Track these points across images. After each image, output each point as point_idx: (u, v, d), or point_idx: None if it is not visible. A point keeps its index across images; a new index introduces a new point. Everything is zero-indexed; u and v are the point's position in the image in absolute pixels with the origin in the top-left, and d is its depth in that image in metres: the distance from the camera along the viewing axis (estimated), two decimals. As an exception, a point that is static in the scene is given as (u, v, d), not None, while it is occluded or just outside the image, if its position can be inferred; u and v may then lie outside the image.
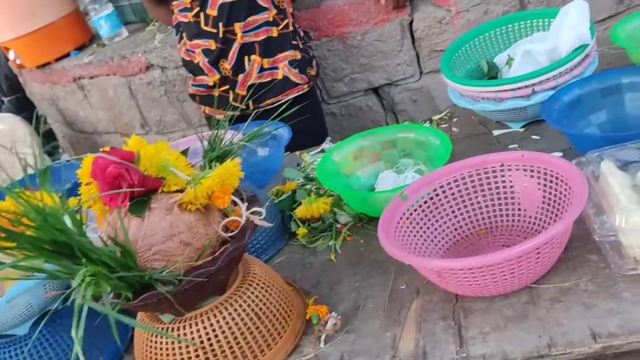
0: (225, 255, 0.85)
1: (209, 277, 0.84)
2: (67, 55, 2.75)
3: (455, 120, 1.47)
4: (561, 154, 1.15)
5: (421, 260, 0.89)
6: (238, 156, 1.13)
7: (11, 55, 2.85)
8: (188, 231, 0.86)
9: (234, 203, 0.92)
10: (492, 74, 1.37)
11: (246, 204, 0.93)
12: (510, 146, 1.26)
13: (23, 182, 0.85)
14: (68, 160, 1.72)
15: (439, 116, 1.50)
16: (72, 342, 0.97)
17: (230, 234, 0.89)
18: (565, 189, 0.91)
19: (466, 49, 1.42)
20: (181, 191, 0.87)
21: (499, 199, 1.03)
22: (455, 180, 1.04)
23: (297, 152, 1.59)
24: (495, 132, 1.33)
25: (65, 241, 0.68)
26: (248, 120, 1.22)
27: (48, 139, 3.67)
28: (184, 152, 0.95)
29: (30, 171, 0.79)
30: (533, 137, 1.26)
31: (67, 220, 0.75)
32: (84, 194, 0.87)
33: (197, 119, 2.53)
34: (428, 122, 1.51)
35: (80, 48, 2.78)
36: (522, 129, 1.30)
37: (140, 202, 0.84)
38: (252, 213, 0.92)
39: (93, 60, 2.58)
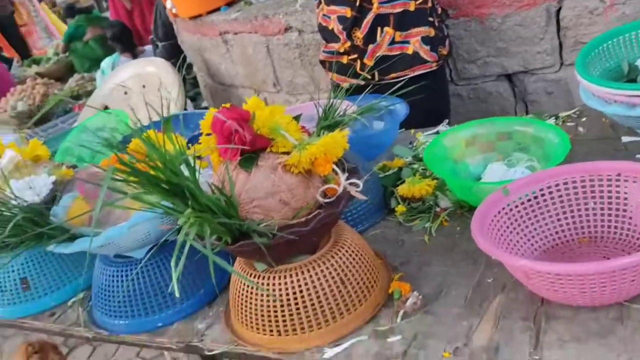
0: (319, 219, 0.91)
1: (300, 237, 0.90)
2: (218, 9, 2.93)
3: (583, 120, 1.39)
4: (694, 172, 1.05)
5: (509, 258, 0.88)
6: (348, 127, 1.17)
7: (168, 4, 3.10)
8: (288, 191, 0.92)
9: (335, 172, 0.96)
10: (631, 76, 1.26)
11: (346, 174, 0.97)
12: (638, 155, 1.18)
13: (158, 125, 0.96)
14: (202, 108, 1.87)
15: (566, 113, 1.43)
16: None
17: (326, 200, 0.94)
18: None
19: (609, 45, 1.32)
20: (287, 154, 0.94)
21: (609, 209, 0.98)
22: (565, 183, 1.00)
23: (412, 131, 1.59)
24: (625, 139, 1.24)
25: (178, 183, 0.77)
26: (364, 92, 1.25)
27: (193, 85, 3.96)
28: (297, 118, 1.00)
29: (164, 115, 0.89)
30: (666, 149, 1.17)
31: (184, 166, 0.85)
32: (203, 143, 0.96)
33: (325, 85, 2.60)
34: (554, 118, 1.44)
35: (230, 4, 2.95)
36: (656, 139, 1.21)
37: (249, 158, 0.92)
38: (350, 184, 0.96)
39: (239, 17, 2.73)
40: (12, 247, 0.99)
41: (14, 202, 1.04)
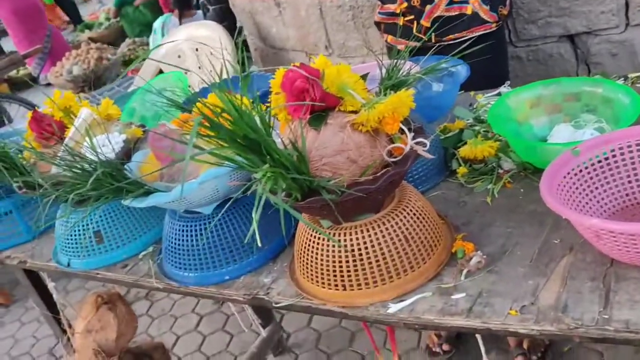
0: (386, 177, 0.92)
1: (367, 194, 0.92)
2: (270, -29, 2.92)
3: (655, 80, 1.34)
4: None
5: (580, 217, 0.87)
6: (412, 87, 1.17)
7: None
8: (356, 149, 0.93)
9: (402, 131, 0.97)
10: None
11: (412, 134, 0.98)
12: None
13: (224, 84, 0.99)
14: (260, 70, 1.89)
15: (636, 74, 1.38)
16: (246, 225, 1.14)
17: (393, 159, 0.95)
18: None
19: (686, 2, 1.27)
20: (355, 112, 0.94)
21: (684, 171, 0.95)
22: (638, 144, 0.98)
23: (472, 92, 1.57)
24: (700, 100, 1.20)
25: (255, 139, 0.79)
26: (428, 54, 1.24)
27: (242, 50, 3.98)
28: (364, 77, 1.01)
29: (230, 75, 0.91)
30: None
31: (257, 122, 0.87)
32: (274, 101, 0.97)
33: (379, 48, 2.57)
34: (622, 79, 1.40)
35: (282, -34, 2.93)
36: None
37: (318, 116, 0.93)
38: (417, 143, 0.97)
39: (291, -22, 2.72)
40: (93, 200, 1.04)
41: (92, 157, 1.09)
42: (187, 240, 1.15)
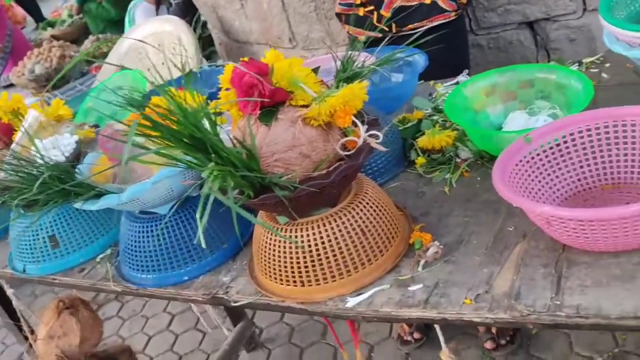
0: (339, 171, 0.91)
1: (321, 189, 0.91)
2: (230, -36, 2.88)
3: (607, 65, 1.36)
4: None
5: (531, 204, 0.88)
6: (367, 79, 1.16)
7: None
8: (308, 144, 0.92)
9: (355, 124, 0.96)
10: (659, 18, 1.22)
11: (366, 126, 0.97)
12: (663, 100, 1.15)
13: (178, 82, 0.96)
14: (218, 66, 1.86)
15: (590, 59, 1.39)
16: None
17: (346, 153, 0.94)
18: None
19: (635, -14, 1.28)
20: (307, 106, 0.93)
21: (633, 154, 0.96)
22: (588, 130, 0.99)
23: (431, 82, 1.57)
24: (650, 83, 1.22)
25: (200, 137, 0.78)
26: (382, 44, 1.23)
27: (209, 44, 3.92)
28: (315, 70, 1.00)
29: (183, 73, 0.89)
30: (693, 93, 1.14)
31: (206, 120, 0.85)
32: (223, 98, 0.96)
33: (342, 39, 2.56)
34: (577, 64, 1.41)
35: (242, -42, 2.89)
36: (683, 83, 1.18)
37: (269, 111, 0.92)
38: (370, 136, 0.96)
39: (252, -29, 2.68)
40: (41, 205, 1.01)
41: (40, 160, 1.06)
42: (143, 242, 1.13)
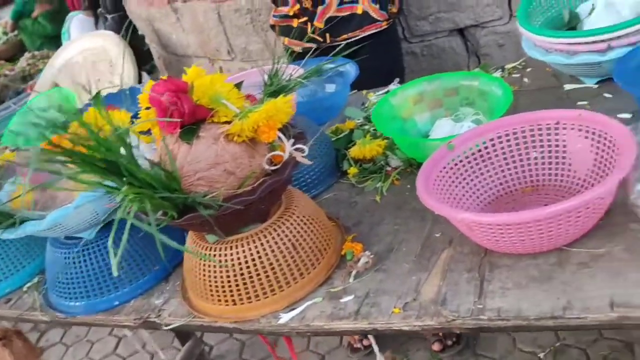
0: (265, 187, 0.91)
1: (247, 206, 0.90)
2: (164, -22, 2.84)
3: (528, 70, 1.41)
4: (630, 115, 1.08)
5: (451, 211, 0.89)
6: (294, 92, 1.16)
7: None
8: (232, 161, 0.91)
9: (280, 138, 0.96)
10: (572, 24, 1.28)
11: (292, 140, 0.97)
12: (579, 103, 1.20)
13: (109, 99, 0.93)
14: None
15: (512, 65, 1.44)
16: (133, 247, 1.09)
17: (272, 168, 0.94)
18: (617, 153, 0.87)
19: (550, -7, 1.33)
20: (230, 123, 0.92)
21: (549, 157, 1.00)
22: (507, 135, 1.02)
23: (364, 91, 1.59)
24: (567, 87, 1.27)
25: (114, 160, 0.76)
26: (307, 56, 1.24)
27: (149, 58, 3.85)
28: (238, 85, 0.99)
29: (113, 90, 0.87)
30: (605, 95, 1.19)
31: (134, 139, 0.83)
32: (143, 117, 0.94)
33: (282, 50, 2.56)
34: (500, 70, 1.46)
35: (176, -29, 2.85)
36: (596, 85, 1.23)
37: (189, 130, 0.90)
38: (296, 149, 0.96)
39: (186, -16, 2.66)
40: (-44, 236, 0.97)
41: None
42: (70, 268, 1.09)
